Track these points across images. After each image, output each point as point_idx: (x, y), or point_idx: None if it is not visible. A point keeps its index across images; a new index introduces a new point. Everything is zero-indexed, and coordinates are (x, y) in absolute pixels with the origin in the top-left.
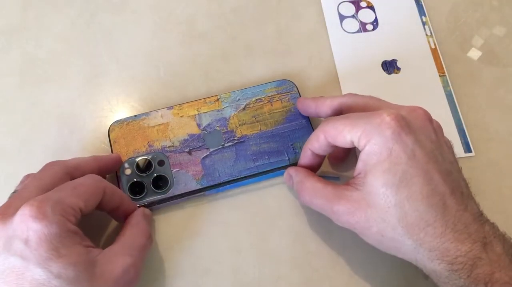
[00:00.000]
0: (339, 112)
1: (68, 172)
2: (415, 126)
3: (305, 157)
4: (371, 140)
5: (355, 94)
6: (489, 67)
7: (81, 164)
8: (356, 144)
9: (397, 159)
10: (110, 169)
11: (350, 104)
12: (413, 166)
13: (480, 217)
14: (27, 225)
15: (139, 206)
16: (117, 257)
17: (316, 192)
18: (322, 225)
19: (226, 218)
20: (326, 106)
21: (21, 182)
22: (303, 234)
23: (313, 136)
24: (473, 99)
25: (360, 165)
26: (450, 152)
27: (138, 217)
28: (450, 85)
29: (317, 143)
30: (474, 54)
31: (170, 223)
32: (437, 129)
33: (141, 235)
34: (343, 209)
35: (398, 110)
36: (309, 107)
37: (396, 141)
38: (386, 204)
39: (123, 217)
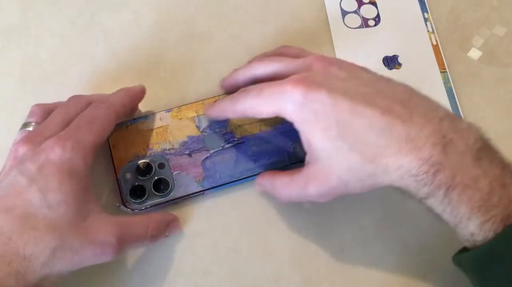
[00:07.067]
0: (253, 83)
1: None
2: (319, 77)
3: (218, 118)
4: (292, 115)
5: (261, 61)
6: (489, 67)
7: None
8: (280, 116)
9: (324, 115)
10: (135, 102)
11: (259, 75)
12: (341, 111)
13: (433, 114)
14: (47, 155)
15: (142, 210)
16: (106, 228)
17: (288, 188)
18: (322, 225)
19: (226, 218)
20: (241, 81)
21: (31, 112)
22: (303, 234)
23: (230, 108)
24: (473, 99)
25: (303, 138)
26: (365, 71)
27: (162, 218)
28: (451, 81)
29: (234, 115)
30: (474, 54)
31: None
32: (339, 64)
33: (143, 228)
34: (316, 186)
35: (299, 72)
36: (227, 86)
37: (310, 100)
38: (343, 155)
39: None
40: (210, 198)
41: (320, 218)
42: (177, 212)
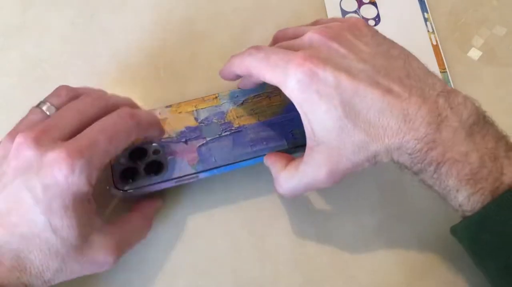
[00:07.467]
0: None
1: (110, 110)
2: (322, 56)
3: (228, 74)
4: (293, 93)
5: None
6: (489, 67)
7: (121, 103)
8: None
9: (328, 95)
10: (155, 134)
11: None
12: (344, 92)
13: (430, 91)
14: (53, 173)
15: (132, 191)
16: (106, 249)
17: (293, 181)
18: (322, 225)
19: (226, 218)
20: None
21: (55, 92)
22: (303, 234)
23: (238, 62)
24: None
25: (304, 120)
26: (362, 41)
27: (150, 209)
28: (451, 81)
29: (240, 71)
30: (474, 54)
31: (170, 223)
32: (338, 39)
33: (140, 233)
34: (327, 173)
35: (303, 47)
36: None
37: (315, 81)
38: (349, 135)
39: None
40: (209, 197)
41: (320, 218)
42: (177, 212)
